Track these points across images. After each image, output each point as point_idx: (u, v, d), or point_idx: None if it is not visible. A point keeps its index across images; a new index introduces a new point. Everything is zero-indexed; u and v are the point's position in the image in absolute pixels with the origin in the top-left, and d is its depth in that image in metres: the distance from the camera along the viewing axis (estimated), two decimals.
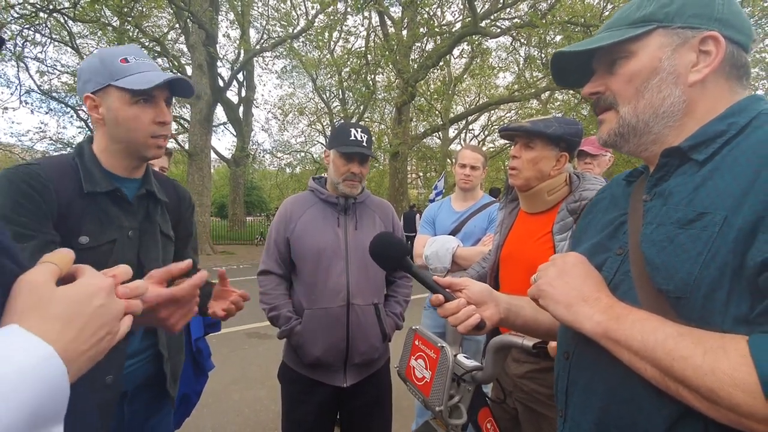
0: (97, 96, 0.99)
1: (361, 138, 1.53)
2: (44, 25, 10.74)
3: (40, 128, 17.87)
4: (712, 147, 0.58)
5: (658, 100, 0.62)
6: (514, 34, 11.84)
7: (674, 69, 0.61)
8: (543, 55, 11.23)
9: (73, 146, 1.10)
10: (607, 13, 10.19)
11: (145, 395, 1.13)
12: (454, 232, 2.24)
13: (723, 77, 0.61)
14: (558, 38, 10.83)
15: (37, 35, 11.36)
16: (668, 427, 0.53)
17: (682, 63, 0.61)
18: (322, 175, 1.72)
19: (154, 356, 1.13)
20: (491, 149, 23.10)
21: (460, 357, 1.22)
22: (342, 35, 13.17)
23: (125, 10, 9.00)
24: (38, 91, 13.23)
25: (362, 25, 13.96)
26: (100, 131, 1.03)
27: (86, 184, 0.97)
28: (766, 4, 9.37)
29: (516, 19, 11.83)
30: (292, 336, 1.53)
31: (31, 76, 12.72)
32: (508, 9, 12.01)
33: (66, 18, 10.16)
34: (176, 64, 14.69)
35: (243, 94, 17.76)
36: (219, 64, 12.31)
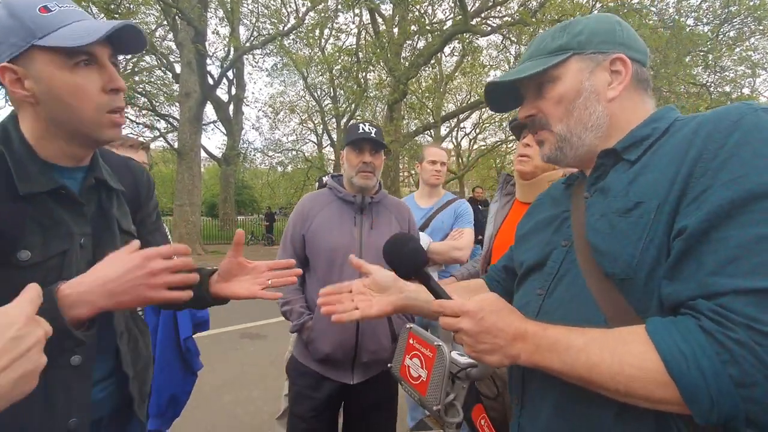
0: (18, 65, 0.73)
1: (369, 130, 1.59)
2: None
3: None
4: (641, 148, 0.67)
5: (585, 116, 0.72)
6: (505, 32, 11.88)
7: (594, 88, 0.71)
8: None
9: None
10: (595, 11, 10.28)
11: (118, 419, 0.99)
12: (421, 229, 2.29)
13: (633, 91, 0.72)
14: None
15: None
16: (620, 407, 0.59)
17: (599, 83, 0.71)
18: (341, 173, 1.74)
19: (122, 378, 0.96)
20: (482, 147, 23.22)
21: (455, 354, 1.21)
22: (333, 33, 13.10)
23: (112, 6, 8.85)
24: None
25: (353, 23, 13.91)
26: (29, 112, 0.77)
27: (21, 183, 0.74)
28: (751, 3, 9.52)
29: (506, 17, 11.87)
30: (303, 331, 1.56)
31: None
32: (498, 7, 12.05)
33: None
34: (164, 61, 14.50)
35: (233, 92, 17.57)
36: (208, 61, 12.16)
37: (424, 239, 2.15)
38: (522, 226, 0.95)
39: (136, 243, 0.74)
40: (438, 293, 0.77)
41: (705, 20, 10.77)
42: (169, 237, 1.34)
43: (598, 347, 0.57)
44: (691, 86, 11.33)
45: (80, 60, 0.74)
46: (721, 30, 10.60)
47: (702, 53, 10.77)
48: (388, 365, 1.35)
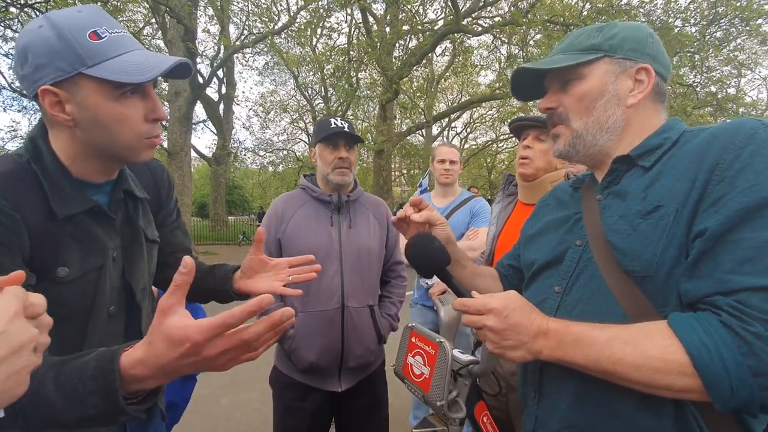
0: (61, 88, 0.70)
1: (342, 125, 1.52)
2: (16, 20, 10.27)
3: (12, 127, 17.11)
4: (655, 155, 0.71)
5: (604, 117, 0.74)
6: (496, 32, 11.96)
7: (617, 92, 0.74)
8: (524, 54, 11.38)
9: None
10: (585, 12, 10.39)
11: None
12: None
13: (651, 101, 0.76)
14: (538, 37, 10.97)
15: (8, 31, 10.85)
16: (641, 395, 0.61)
17: (622, 88, 0.74)
18: (313, 173, 1.68)
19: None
20: (473, 146, 23.33)
21: (456, 352, 1.22)
22: (324, 32, 13.06)
23: (99, 3, 8.70)
24: (9, 88, 12.60)
25: (345, 22, 13.87)
26: (65, 133, 0.76)
27: (58, 206, 0.74)
28: (738, 4, 9.69)
29: (497, 18, 11.95)
30: (285, 340, 1.48)
31: (1, 73, 12.08)
32: (489, 8, 12.13)
33: (38, 13, 9.73)
34: None
35: (223, 91, 17.41)
36: (198, 60, 12.03)
37: None
38: (530, 227, 0.97)
39: (181, 288, 0.56)
40: (461, 292, 0.78)
41: (692, 21, 10.93)
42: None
43: (622, 342, 0.60)
44: (678, 86, 11.51)
45: (127, 90, 0.74)
46: (708, 31, 10.78)
47: (689, 54, 10.95)
48: (391, 365, 1.35)
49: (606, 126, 0.75)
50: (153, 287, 1.06)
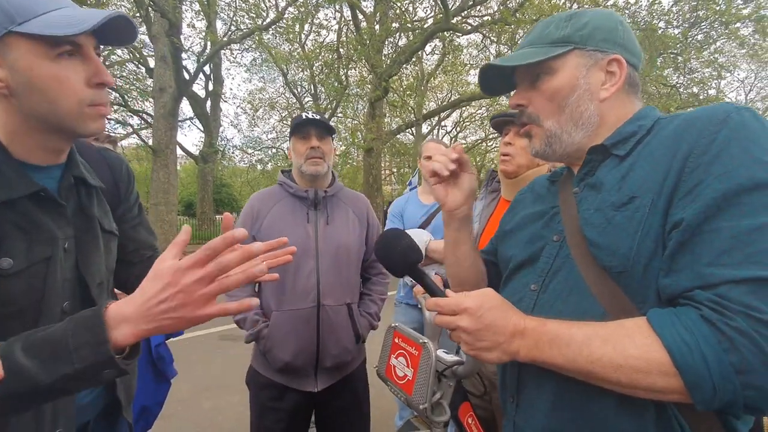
0: None
1: (313, 116, 1.51)
2: None
3: None
4: (630, 144, 0.68)
5: (577, 114, 0.72)
6: (485, 31, 12.00)
7: (589, 87, 0.71)
8: (512, 53, 11.44)
9: None
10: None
11: (104, 423, 1.00)
12: (423, 226, 2.24)
13: (624, 93, 0.73)
14: None
15: None
16: (620, 397, 0.59)
17: (594, 81, 0.71)
18: (290, 168, 1.65)
19: (109, 383, 0.95)
20: (463, 145, 23.41)
21: (440, 353, 1.20)
22: (313, 29, 12.95)
23: None
24: None
25: (334, 19, 13.77)
26: (1, 105, 0.71)
27: None
28: (718, 8, 9.88)
29: (487, 17, 11.99)
30: (259, 340, 1.46)
31: None
32: (478, 7, 12.15)
33: None
34: (137, 55, 14.03)
35: (210, 87, 17.15)
36: (184, 56, 11.79)
37: (424, 237, 2.10)
38: (506, 221, 0.94)
39: (178, 245, 0.58)
40: (434, 291, 0.75)
41: (675, 23, 11.13)
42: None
43: (601, 340, 0.57)
44: (661, 87, 11.71)
45: (63, 50, 0.68)
46: (690, 33, 10.98)
47: (672, 55, 11.15)
48: (374, 366, 1.32)
49: (580, 122, 0.72)
50: (117, 291, 1.01)
